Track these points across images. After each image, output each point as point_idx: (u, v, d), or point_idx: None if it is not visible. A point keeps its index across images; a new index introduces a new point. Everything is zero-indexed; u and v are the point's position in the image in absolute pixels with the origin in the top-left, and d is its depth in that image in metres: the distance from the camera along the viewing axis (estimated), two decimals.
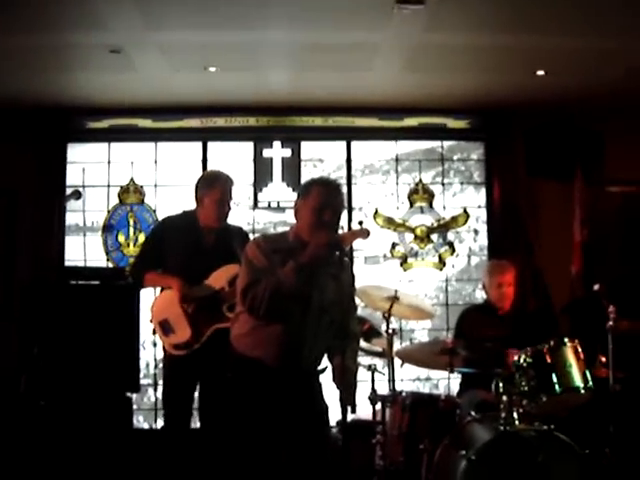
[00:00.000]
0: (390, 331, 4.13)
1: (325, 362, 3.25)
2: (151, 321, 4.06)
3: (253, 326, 3.04)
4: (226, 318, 3.82)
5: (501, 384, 3.76)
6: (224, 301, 3.91)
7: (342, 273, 3.09)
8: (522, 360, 3.82)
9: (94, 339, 4.45)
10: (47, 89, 5.65)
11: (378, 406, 4.05)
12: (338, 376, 3.01)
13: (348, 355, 3.02)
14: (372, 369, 4.08)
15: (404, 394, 4.11)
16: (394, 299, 4.17)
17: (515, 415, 3.68)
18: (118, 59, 4.92)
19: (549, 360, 3.77)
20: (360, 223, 3.59)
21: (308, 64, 5.23)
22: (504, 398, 3.72)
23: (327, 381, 3.23)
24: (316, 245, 2.92)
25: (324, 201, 3.01)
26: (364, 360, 4.17)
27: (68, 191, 4.34)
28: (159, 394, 4.13)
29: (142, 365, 5.20)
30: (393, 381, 4.14)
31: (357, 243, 5.88)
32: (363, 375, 3.63)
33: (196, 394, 4.13)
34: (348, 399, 3.01)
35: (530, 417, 3.67)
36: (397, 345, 4.43)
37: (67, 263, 6.14)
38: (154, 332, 4.04)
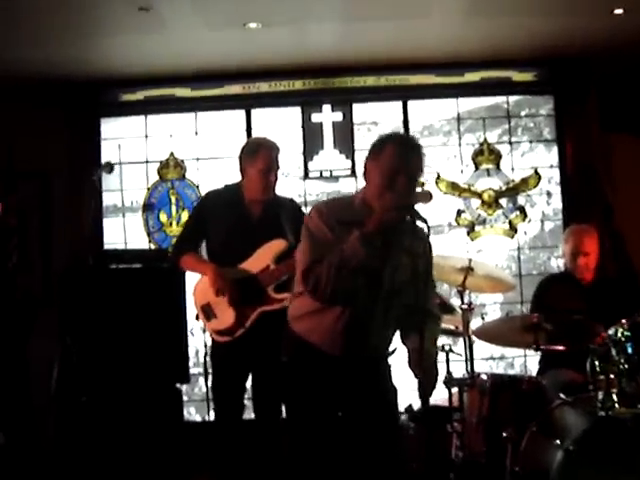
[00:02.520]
0: (465, 306, 3.94)
1: (395, 343, 3.00)
2: (194, 306, 3.95)
3: (313, 309, 2.78)
4: (273, 300, 3.72)
5: (597, 362, 3.46)
6: (269, 281, 3.77)
7: (416, 244, 2.77)
8: (619, 334, 3.50)
9: (138, 327, 4.48)
10: (74, 58, 5.55)
11: (454, 390, 3.89)
12: (415, 361, 2.72)
13: (427, 337, 2.70)
14: (447, 350, 3.93)
15: (483, 376, 3.89)
16: (468, 270, 3.99)
17: (614, 397, 3.37)
18: (148, 18, 4.78)
19: None
20: (421, 185, 3.34)
21: (358, 12, 5.02)
22: (601, 377, 3.42)
23: (396, 363, 3.01)
24: (383, 210, 2.62)
25: (398, 163, 2.69)
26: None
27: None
28: (210, 384, 4.00)
29: (191, 353, 5.08)
30: (471, 362, 3.99)
31: (420, 209, 5.59)
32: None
33: (249, 384, 4.01)
34: (429, 387, 2.73)
35: (630, 399, 3.39)
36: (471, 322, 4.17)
37: (106, 246, 6.13)
38: (197, 317, 3.92)
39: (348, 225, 2.68)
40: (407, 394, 3.54)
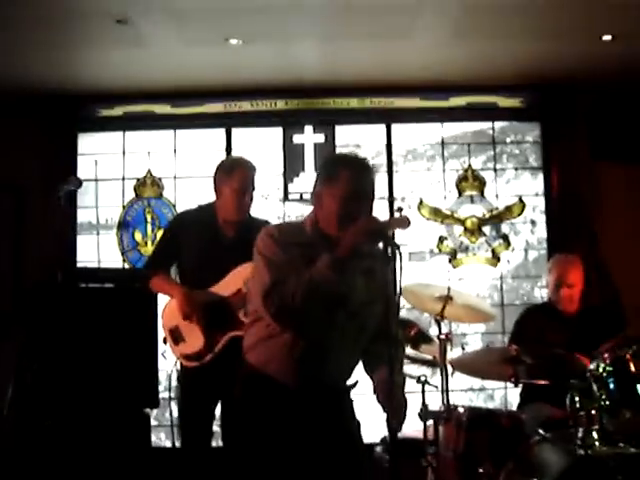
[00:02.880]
0: (443, 336, 3.82)
1: (356, 376, 2.86)
2: (162, 328, 3.87)
3: (265, 335, 2.65)
4: (243, 324, 3.52)
5: (577, 398, 3.33)
6: (240, 305, 3.64)
7: (376, 265, 2.67)
8: (600, 369, 3.38)
9: (107, 348, 4.32)
10: (52, 71, 5.52)
11: (429, 423, 3.74)
12: (383, 393, 2.59)
13: (395, 367, 2.57)
14: (422, 381, 3.77)
15: (460, 409, 3.75)
16: (447, 299, 3.88)
17: (594, 435, 3.24)
18: (126, 31, 4.75)
19: (633, 368, 3.32)
20: (399, 210, 3.30)
21: (342, 31, 5.00)
22: (581, 414, 3.30)
23: (363, 394, 2.88)
24: (356, 233, 2.50)
25: (354, 188, 2.59)
26: (411, 370, 3.95)
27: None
28: (177, 410, 3.92)
29: (163, 377, 4.92)
30: (447, 394, 3.83)
31: (398, 235, 5.61)
32: (410, 386, 3.29)
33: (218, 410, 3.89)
34: (399, 420, 2.60)
35: (611, 437, 3.24)
36: (448, 352, 4.07)
37: (80, 264, 6.03)
38: (165, 341, 3.82)
39: (301, 248, 2.58)
40: (381, 425, 3.41)
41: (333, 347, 2.64)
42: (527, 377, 3.78)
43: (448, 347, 3.94)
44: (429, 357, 4.13)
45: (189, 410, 3.80)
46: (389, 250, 2.53)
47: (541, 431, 3.53)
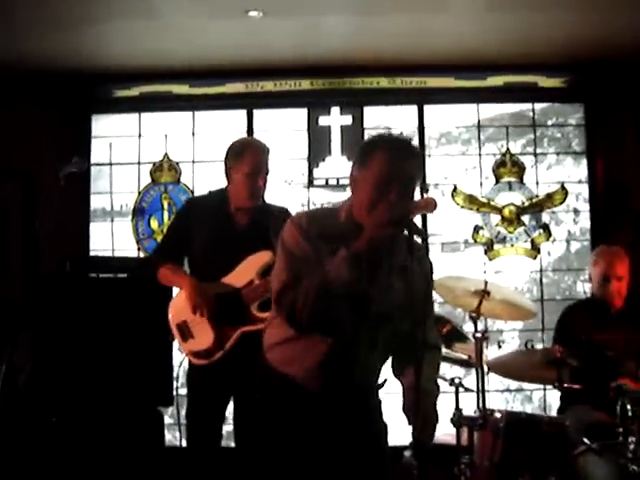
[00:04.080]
0: (479, 334, 3.66)
1: (385, 374, 2.71)
2: (170, 324, 3.78)
3: (288, 335, 2.48)
4: (256, 319, 3.53)
5: (628, 405, 3.16)
6: (253, 297, 3.59)
7: (413, 264, 2.45)
8: None
9: (119, 343, 4.29)
10: (63, 49, 5.42)
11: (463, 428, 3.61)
12: (410, 403, 2.40)
13: (425, 373, 2.37)
14: (457, 383, 3.64)
15: (497, 414, 3.59)
16: (484, 293, 3.71)
17: None
18: (140, 3, 4.64)
19: None
20: (424, 191, 3.09)
21: (371, 4, 4.86)
22: (632, 423, 3.13)
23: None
24: (375, 224, 2.31)
25: (392, 171, 2.39)
26: (444, 370, 3.87)
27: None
28: (185, 409, 3.88)
29: (179, 372, 4.87)
30: (483, 398, 3.67)
31: (431, 223, 5.65)
32: (443, 387, 3.09)
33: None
34: (425, 435, 2.39)
35: None
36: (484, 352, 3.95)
37: (93, 253, 5.99)
38: (172, 337, 3.76)
39: (332, 242, 2.38)
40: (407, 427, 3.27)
41: (362, 349, 2.48)
42: (572, 381, 3.66)
43: (484, 346, 3.78)
44: (463, 356, 3.99)
45: (198, 410, 3.73)
46: (414, 243, 2.36)
47: (586, 440, 3.39)
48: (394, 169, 2.39)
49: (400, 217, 2.30)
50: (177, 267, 3.79)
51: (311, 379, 2.46)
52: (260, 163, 3.65)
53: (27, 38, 5.13)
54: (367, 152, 2.46)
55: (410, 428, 2.40)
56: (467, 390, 3.71)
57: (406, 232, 2.34)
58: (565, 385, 3.57)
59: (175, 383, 4.49)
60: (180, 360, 3.88)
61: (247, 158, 3.63)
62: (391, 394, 2.77)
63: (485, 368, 3.75)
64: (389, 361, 2.69)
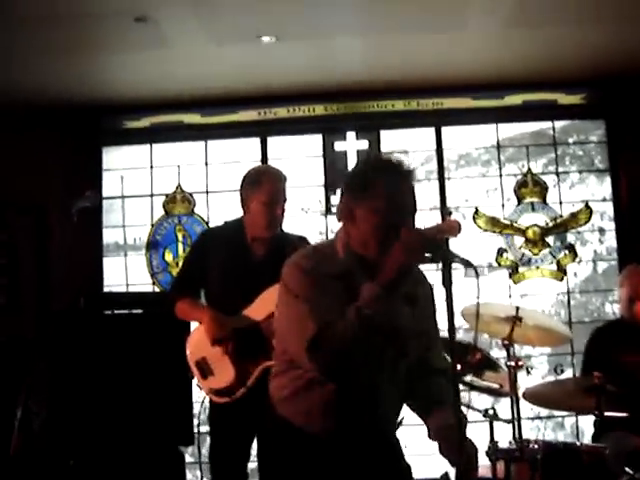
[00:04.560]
0: (512, 363, 3.51)
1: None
2: (188, 361, 3.68)
3: (300, 385, 2.34)
4: None
5: None
6: (273, 331, 3.44)
7: (419, 289, 2.37)
8: None
9: (136, 381, 4.28)
10: (72, 81, 5.45)
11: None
12: (450, 442, 2.23)
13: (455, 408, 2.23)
14: (490, 416, 3.49)
15: (533, 445, 3.42)
16: (515, 319, 3.57)
17: None
18: (147, 32, 4.65)
19: None
20: (448, 213, 2.99)
21: (384, 25, 4.86)
22: None
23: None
24: (407, 249, 2.14)
25: (395, 198, 2.25)
26: (477, 402, 3.74)
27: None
28: (209, 450, 3.74)
29: (198, 409, 4.84)
30: (519, 429, 3.49)
31: (453, 248, 5.40)
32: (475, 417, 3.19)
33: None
34: (472, 472, 2.27)
35: None
36: None
37: (106, 288, 5.96)
38: (191, 375, 3.64)
39: (338, 279, 2.26)
40: (435, 460, 3.16)
41: (384, 390, 2.35)
42: (610, 407, 3.44)
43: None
44: (495, 386, 3.81)
45: (221, 451, 3.61)
46: (446, 264, 2.16)
47: (629, 469, 3.26)
48: (399, 193, 2.26)
49: (433, 242, 2.17)
50: (195, 301, 3.71)
51: (332, 428, 2.32)
52: (278, 191, 3.58)
53: (35, 70, 5.15)
54: (362, 183, 2.30)
55: (436, 458, 2.30)
56: (501, 421, 3.59)
57: (445, 260, 2.16)
58: (606, 414, 3.42)
59: (195, 421, 4.34)
60: (201, 399, 3.75)
61: (264, 187, 3.56)
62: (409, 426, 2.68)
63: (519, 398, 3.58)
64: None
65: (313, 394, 2.29)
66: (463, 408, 2.47)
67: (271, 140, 6.11)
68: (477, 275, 2.12)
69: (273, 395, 2.45)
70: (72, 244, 5.63)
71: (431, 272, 2.43)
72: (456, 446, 2.16)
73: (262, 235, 3.61)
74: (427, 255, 2.17)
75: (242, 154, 6.06)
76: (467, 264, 2.14)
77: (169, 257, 6.01)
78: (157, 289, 5.92)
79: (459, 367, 3.73)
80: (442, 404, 2.28)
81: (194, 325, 3.92)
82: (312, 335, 2.18)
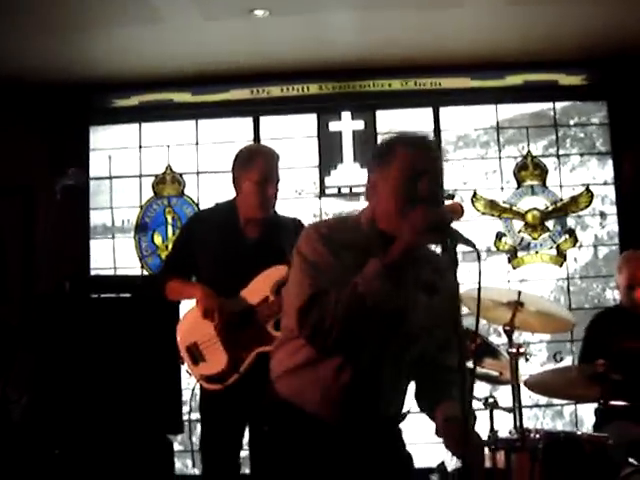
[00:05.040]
0: (513, 350, 3.41)
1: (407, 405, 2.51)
2: (179, 346, 3.62)
3: (302, 361, 2.26)
4: (272, 338, 3.32)
5: None
6: (268, 315, 3.40)
7: (443, 277, 2.27)
8: None
9: (125, 367, 4.21)
10: (58, 57, 5.39)
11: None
12: (456, 435, 2.14)
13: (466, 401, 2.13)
14: (490, 404, 3.39)
15: (534, 434, 3.35)
16: (517, 305, 3.48)
17: None
18: (138, 6, 4.57)
19: None
20: (449, 197, 2.93)
21: (382, 0, 4.77)
22: None
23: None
24: (411, 231, 2.08)
25: (418, 165, 2.19)
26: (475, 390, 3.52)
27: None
28: (199, 438, 3.69)
29: (188, 396, 4.78)
30: (520, 419, 3.41)
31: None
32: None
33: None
34: (478, 463, 2.19)
35: None
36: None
37: (93, 272, 5.89)
38: (182, 361, 3.57)
39: (355, 252, 2.19)
40: (432, 449, 3.15)
41: (387, 376, 2.26)
42: (614, 396, 3.38)
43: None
44: (494, 373, 3.76)
45: (213, 440, 3.53)
46: (455, 249, 2.11)
47: (632, 460, 3.22)
48: (420, 162, 2.19)
49: (441, 223, 2.08)
50: (186, 279, 3.64)
51: (331, 410, 2.24)
52: (270, 170, 3.51)
53: (17, 45, 5.05)
54: (385, 152, 2.26)
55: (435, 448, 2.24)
56: (502, 410, 3.52)
57: (449, 242, 2.11)
58: (611, 402, 3.36)
59: (185, 408, 4.29)
60: (191, 386, 3.66)
61: (256, 165, 3.48)
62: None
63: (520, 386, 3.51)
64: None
65: (314, 371, 2.22)
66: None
67: (264, 120, 6.05)
68: (479, 258, 2.03)
69: (272, 370, 2.39)
70: (58, 226, 5.63)
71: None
72: (462, 438, 2.06)
73: (255, 216, 3.53)
74: (434, 237, 2.10)
75: (234, 134, 5.99)
76: (472, 246, 2.06)
77: (158, 240, 5.95)
78: (146, 272, 5.86)
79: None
80: (454, 398, 2.18)
81: (184, 311, 3.84)
82: (304, 300, 2.13)
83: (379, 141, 5.72)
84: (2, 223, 5.66)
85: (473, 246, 2.07)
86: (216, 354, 3.42)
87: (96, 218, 5.98)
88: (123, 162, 6.04)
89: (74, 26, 4.87)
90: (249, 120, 6.04)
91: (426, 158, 2.22)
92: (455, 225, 2.18)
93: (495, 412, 3.48)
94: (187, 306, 3.70)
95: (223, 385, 3.41)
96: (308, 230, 2.29)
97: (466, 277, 2.34)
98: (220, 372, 3.40)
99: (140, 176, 6.06)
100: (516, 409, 3.46)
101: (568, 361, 5.50)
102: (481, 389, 4.28)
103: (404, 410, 2.43)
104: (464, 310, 3.27)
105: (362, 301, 2.06)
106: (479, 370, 3.81)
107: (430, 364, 2.31)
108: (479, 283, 2.07)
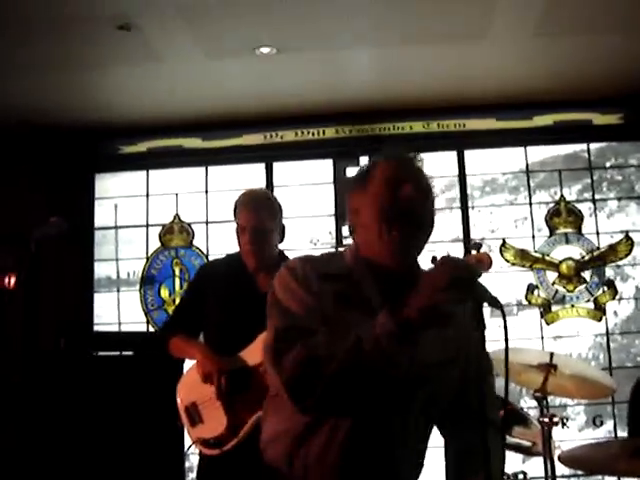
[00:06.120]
0: (546, 419, 3.16)
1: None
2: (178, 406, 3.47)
3: (297, 421, 2.00)
4: None
5: None
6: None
7: (458, 326, 1.98)
8: None
9: (125, 430, 4.16)
10: (63, 101, 5.34)
11: None
12: None
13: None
14: None
15: None
16: (550, 368, 3.25)
17: None
18: (132, 42, 4.40)
19: None
20: (475, 247, 2.76)
21: (399, 35, 4.63)
22: None
23: None
24: (435, 285, 1.79)
25: (398, 175, 1.99)
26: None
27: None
28: None
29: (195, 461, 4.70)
30: None
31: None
32: None
33: None
34: None
35: None
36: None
37: (97, 327, 5.77)
38: (180, 422, 3.42)
39: (337, 284, 1.97)
40: None
41: (394, 427, 1.98)
42: None
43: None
44: (526, 443, 3.49)
45: None
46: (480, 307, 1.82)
47: None
48: (401, 171, 2.00)
49: (470, 276, 1.82)
50: (190, 337, 3.49)
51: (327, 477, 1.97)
52: (254, 214, 3.37)
53: (24, 90, 5.01)
54: (365, 172, 2.06)
55: None
56: None
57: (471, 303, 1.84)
58: None
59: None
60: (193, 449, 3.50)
61: (239, 213, 3.41)
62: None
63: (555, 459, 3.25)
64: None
65: (306, 434, 1.97)
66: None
67: (277, 165, 5.98)
68: (504, 317, 1.76)
69: (263, 432, 2.18)
70: (60, 279, 5.55)
71: None
72: None
73: (252, 266, 3.37)
74: (459, 294, 1.81)
75: (245, 181, 5.80)
76: (499, 307, 1.77)
77: (165, 293, 5.81)
78: (152, 328, 5.72)
79: None
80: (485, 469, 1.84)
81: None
82: (276, 333, 1.96)
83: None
84: (2, 273, 5.64)
85: (500, 307, 1.77)
86: (215, 416, 3.25)
87: (100, 270, 5.89)
88: (129, 211, 5.97)
89: (79, 68, 4.84)
90: (261, 166, 5.96)
91: (408, 167, 2.02)
92: (482, 277, 1.92)
93: None
94: (191, 363, 3.50)
95: (221, 450, 3.21)
96: (280, 271, 2.06)
97: (494, 334, 2.10)
98: (218, 436, 3.21)
99: (147, 226, 5.98)
100: None
101: (609, 426, 5.23)
102: (511, 461, 4.02)
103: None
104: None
105: (365, 362, 1.79)
106: (509, 440, 3.52)
107: (456, 412, 2.07)
108: (506, 343, 1.80)
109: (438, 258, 1.86)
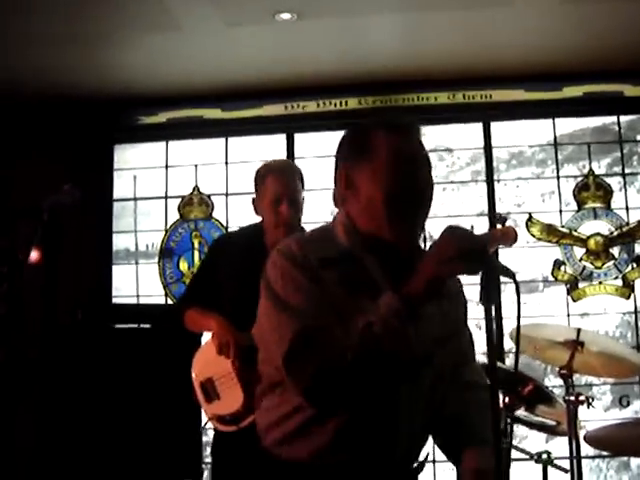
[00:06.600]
0: (572, 397, 3.07)
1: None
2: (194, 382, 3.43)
3: (294, 407, 1.90)
4: None
5: None
6: None
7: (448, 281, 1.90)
8: None
9: (141, 405, 4.15)
10: (79, 71, 5.33)
11: None
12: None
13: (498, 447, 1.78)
14: (544, 460, 3.05)
15: None
16: (576, 345, 3.17)
17: None
18: (151, 10, 4.43)
19: None
20: (500, 220, 2.79)
21: (424, 1, 4.56)
22: None
23: None
24: (440, 257, 1.72)
25: (405, 153, 1.90)
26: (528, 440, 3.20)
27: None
28: None
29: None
30: (580, 476, 3.07)
31: (503, 260, 5.11)
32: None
33: None
34: None
35: None
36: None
37: (115, 300, 5.78)
38: (195, 398, 3.39)
39: (337, 269, 1.86)
40: None
41: (402, 412, 1.91)
42: None
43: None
44: (550, 422, 3.44)
45: None
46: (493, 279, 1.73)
47: None
48: (407, 149, 1.91)
49: (478, 249, 1.73)
50: (205, 309, 3.44)
51: (335, 466, 1.88)
52: (283, 188, 3.32)
53: (38, 60, 4.99)
54: (363, 138, 1.95)
55: None
56: (557, 468, 3.14)
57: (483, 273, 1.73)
58: None
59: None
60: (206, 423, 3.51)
61: (267, 184, 3.33)
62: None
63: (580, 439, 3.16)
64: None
65: (311, 419, 1.87)
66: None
67: (298, 137, 5.93)
68: (517, 287, 1.68)
69: (258, 422, 2.06)
70: (78, 251, 5.57)
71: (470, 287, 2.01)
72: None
73: (276, 239, 3.28)
74: (467, 266, 1.74)
75: (266, 152, 5.76)
76: (512, 277, 1.69)
77: (184, 266, 5.80)
78: (170, 301, 5.71)
79: (507, 400, 3.37)
80: (477, 439, 1.87)
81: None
82: (290, 343, 1.79)
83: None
84: (19, 246, 5.66)
85: (513, 277, 1.69)
86: (232, 392, 3.21)
87: (119, 242, 5.90)
88: (148, 182, 5.98)
89: (97, 38, 4.83)
90: (283, 137, 5.92)
91: (412, 139, 1.95)
92: (507, 252, 1.85)
93: (549, 469, 3.17)
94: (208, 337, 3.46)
95: (238, 427, 3.16)
96: (274, 255, 1.95)
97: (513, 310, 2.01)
98: (235, 412, 3.17)
99: (166, 197, 5.96)
100: (574, 465, 3.11)
101: (636, 406, 5.16)
102: (535, 440, 3.96)
103: (422, 456, 2.08)
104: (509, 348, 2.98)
105: (378, 345, 1.72)
106: (532, 418, 3.48)
107: (448, 384, 2.00)
108: (518, 319, 1.73)
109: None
